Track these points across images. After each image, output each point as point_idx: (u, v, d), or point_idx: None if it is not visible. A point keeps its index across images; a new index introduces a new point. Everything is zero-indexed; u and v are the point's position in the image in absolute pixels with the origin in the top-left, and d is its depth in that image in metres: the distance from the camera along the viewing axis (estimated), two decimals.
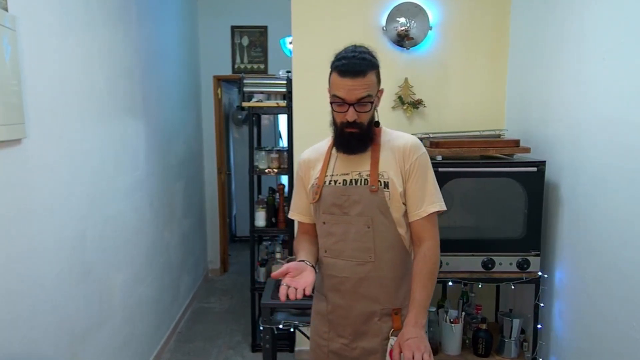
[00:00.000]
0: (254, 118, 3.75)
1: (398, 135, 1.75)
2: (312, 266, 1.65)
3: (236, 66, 5.29)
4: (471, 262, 2.54)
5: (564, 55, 2.44)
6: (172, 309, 4.04)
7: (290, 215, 1.90)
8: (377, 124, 1.74)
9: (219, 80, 5.42)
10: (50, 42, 2.17)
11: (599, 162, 2.15)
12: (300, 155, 1.87)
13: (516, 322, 2.58)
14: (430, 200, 1.70)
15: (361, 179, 1.68)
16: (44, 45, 2.12)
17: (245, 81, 3.54)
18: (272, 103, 3.55)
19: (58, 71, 2.23)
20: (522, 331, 2.68)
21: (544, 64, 2.64)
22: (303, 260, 1.65)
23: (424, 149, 1.73)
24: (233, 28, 5.25)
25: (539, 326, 2.56)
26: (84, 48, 2.48)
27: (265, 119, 6.39)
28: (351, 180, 1.69)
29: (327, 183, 1.73)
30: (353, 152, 1.69)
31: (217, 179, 5.54)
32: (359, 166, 1.70)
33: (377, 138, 1.72)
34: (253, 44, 5.27)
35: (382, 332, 1.73)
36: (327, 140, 1.82)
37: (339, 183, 1.71)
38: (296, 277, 1.57)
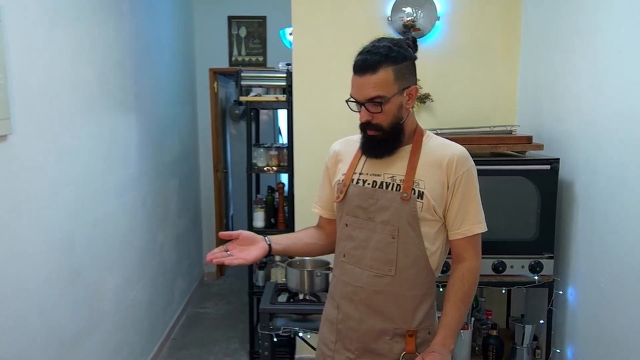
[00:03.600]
0: (252, 113, 3.75)
1: (445, 143, 1.66)
2: (269, 245, 1.68)
3: (233, 58, 5.28)
4: (481, 265, 2.53)
5: (578, 47, 2.43)
6: (166, 314, 4.05)
7: (314, 209, 1.85)
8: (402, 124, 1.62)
9: (215, 74, 5.42)
10: (37, 33, 2.17)
11: (616, 159, 2.14)
12: (333, 144, 1.81)
13: (528, 329, 2.58)
14: (476, 220, 1.65)
15: (394, 184, 1.60)
16: (31, 37, 2.12)
17: (242, 74, 3.54)
18: (271, 97, 3.54)
19: (46, 64, 2.23)
20: (535, 338, 2.68)
21: (558, 56, 2.63)
22: (266, 236, 1.68)
23: (472, 162, 1.64)
24: (230, 18, 5.25)
25: (552, 332, 2.56)
26: (73, 40, 2.48)
27: (264, 114, 6.38)
28: (382, 183, 1.62)
29: (354, 182, 1.66)
30: (376, 156, 1.63)
31: (214, 177, 5.55)
32: (393, 168, 1.62)
33: (417, 141, 1.64)
34: (251, 35, 5.27)
35: (392, 354, 1.65)
36: (359, 134, 1.72)
37: (368, 184, 1.63)
38: (242, 247, 1.63)
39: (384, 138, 1.59)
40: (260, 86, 3.63)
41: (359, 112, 1.58)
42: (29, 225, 2.10)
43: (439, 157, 1.61)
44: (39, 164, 2.18)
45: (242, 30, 5.27)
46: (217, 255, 1.60)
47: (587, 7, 2.36)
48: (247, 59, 5.29)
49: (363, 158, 1.68)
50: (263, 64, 5.27)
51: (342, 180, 1.69)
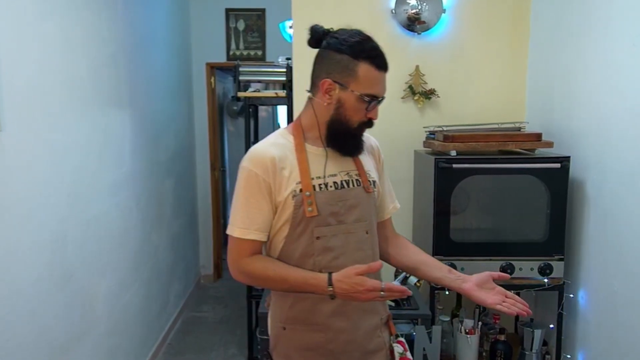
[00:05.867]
0: (250, 109, 3.75)
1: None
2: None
3: (231, 53, 5.29)
4: (489, 267, 2.52)
5: (590, 40, 2.43)
6: (161, 318, 4.05)
7: (246, 235, 1.56)
8: None
9: (213, 68, 5.42)
10: (27, 27, 2.17)
11: (629, 157, 2.14)
12: (255, 152, 1.60)
13: (538, 333, 2.58)
14: (394, 197, 1.83)
15: (351, 180, 1.63)
16: (20, 30, 2.12)
17: (241, 69, 3.54)
18: (270, 93, 3.54)
19: (36, 59, 2.23)
20: (545, 343, 2.67)
21: (568, 50, 2.63)
22: (329, 272, 1.50)
23: None
24: (228, 11, 5.25)
25: (562, 337, 2.56)
26: (64, 33, 2.48)
27: (263, 111, 6.39)
28: (342, 182, 1.61)
29: (317, 189, 1.57)
30: (359, 154, 1.66)
31: (211, 175, 5.55)
32: (343, 164, 1.64)
33: None
34: (249, 28, 5.27)
35: (385, 344, 1.71)
36: (278, 134, 1.67)
37: (331, 187, 1.59)
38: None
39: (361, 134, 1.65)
40: (259, 81, 3.63)
41: (371, 110, 1.57)
42: (19, 225, 2.10)
43: (367, 144, 1.71)
44: (29, 162, 2.18)
45: (241, 23, 5.27)
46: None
47: None
48: (245, 53, 5.29)
49: (317, 161, 1.60)
50: (262, 59, 5.27)
51: (302, 190, 1.55)
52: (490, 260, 2.54)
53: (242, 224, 1.56)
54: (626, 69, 2.15)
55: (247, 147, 3.59)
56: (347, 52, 1.52)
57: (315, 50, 1.71)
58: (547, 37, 2.90)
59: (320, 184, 1.58)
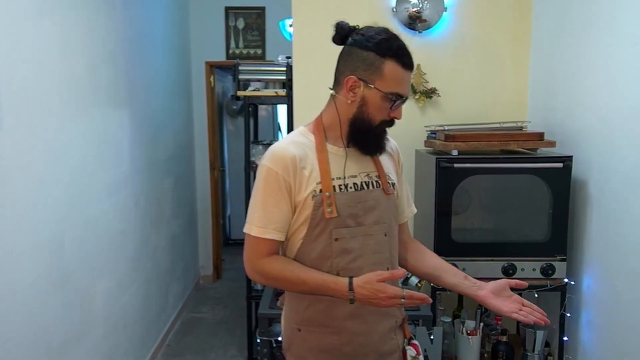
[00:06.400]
0: (250, 108, 3.75)
1: None
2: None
3: (231, 51, 5.28)
4: (490, 268, 2.54)
5: (592, 39, 2.42)
6: (160, 319, 4.05)
7: (264, 235, 1.55)
8: None
9: (212, 67, 5.42)
10: (24, 24, 2.17)
11: (632, 157, 2.13)
12: (276, 151, 1.57)
13: (540, 334, 2.58)
14: (411, 200, 1.83)
15: (371, 181, 1.63)
16: (18, 28, 2.12)
17: (240, 68, 3.54)
18: (270, 92, 3.54)
19: (33, 57, 2.23)
20: (547, 344, 2.67)
21: (571, 49, 2.62)
22: (350, 277, 1.49)
23: None
24: (227, 9, 5.25)
25: (565, 338, 2.56)
26: (62, 31, 2.47)
27: (262, 110, 6.39)
28: (362, 184, 1.61)
29: (337, 190, 1.57)
30: (381, 152, 1.67)
31: (210, 175, 5.55)
32: (363, 166, 1.64)
33: None
34: (249, 26, 5.27)
35: (398, 348, 1.71)
36: (298, 133, 1.66)
37: (351, 188, 1.59)
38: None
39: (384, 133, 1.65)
40: (258, 80, 3.62)
41: (395, 110, 1.57)
42: (16, 225, 2.10)
43: (387, 145, 1.70)
44: (27, 162, 2.18)
45: (240, 21, 5.27)
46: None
47: None
48: (245, 51, 5.29)
49: (337, 161, 1.60)
50: (262, 57, 5.27)
51: (322, 191, 1.54)
52: (492, 260, 2.54)
53: (260, 223, 1.55)
54: (629, 68, 2.15)
55: (247, 147, 3.60)
56: (373, 49, 1.51)
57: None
58: (549, 35, 2.90)
59: (340, 185, 1.58)
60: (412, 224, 3.12)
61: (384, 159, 1.70)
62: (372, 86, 1.52)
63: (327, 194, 1.54)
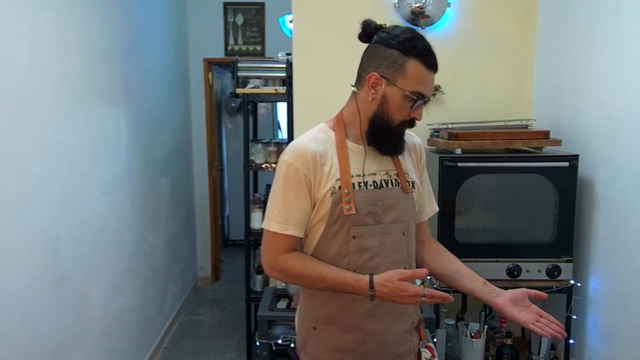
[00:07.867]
0: (249, 106, 3.74)
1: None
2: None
3: (229, 48, 5.28)
4: (495, 269, 2.54)
5: (598, 36, 2.42)
6: (157, 322, 4.05)
7: (284, 231, 1.57)
8: None
9: (210, 64, 5.42)
10: (18, 20, 2.17)
11: (639, 156, 2.14)
12: (297, 147, 1.60)
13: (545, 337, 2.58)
14: (433, 199, 1.85)
15: (390, 180, 1.64)
16: (12, 24, 2.12)
17: (239, 65, 3.54)
18: (269, 89, 3.54)
19: (28, 53, 2.23)
20: (553, 347, 2.67)
21: (576, 46, 2.62)
22: (371, 274, 1.51)
23: None
24: (226, 5, 5.25)
25: (571, 341, 2.56)
26: (57, 27, 2.48)
27: (262, 108, 6.39)
28: (382, 182, 1.63)
29: (356, 187, 1.59)
30: (400, 152, 1.67)
31: (208, 175, 5.55)
32: (382, 164, 1.65)
33: None
34: (248, 22, 5.27)
35: (414, 349, 1.73)
36: (319, 129, 1.68)
37: (370, 185, 1.61)
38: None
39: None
40: (258, 77, 3.62)
41: (416, 110, 1.57)
42: (11, 226, 2.10)
43: (409, 142, 1.72)
44: (21, 161, 2.18)
45: (239, 17, 5.27)
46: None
47: None
48: (244, 48, 5.29)
49: (357, 159, 1.62)
50: (261, 54, 5.27)
51: (341, 188, 1.56)
52: (497, 261, 2.54)
53: (279, 219, 1.57)
54: (636, 66, 2.15)
55: (246, 146, 3.60)
56: (397, 47, 1.52)
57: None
58: (554, 32, 2.90)
59: (359, 182, 1.60)
60: None
61: (403, 156, 1.70)
62: (394, 84, 1.53)
63: (346, 191, 1.56)
